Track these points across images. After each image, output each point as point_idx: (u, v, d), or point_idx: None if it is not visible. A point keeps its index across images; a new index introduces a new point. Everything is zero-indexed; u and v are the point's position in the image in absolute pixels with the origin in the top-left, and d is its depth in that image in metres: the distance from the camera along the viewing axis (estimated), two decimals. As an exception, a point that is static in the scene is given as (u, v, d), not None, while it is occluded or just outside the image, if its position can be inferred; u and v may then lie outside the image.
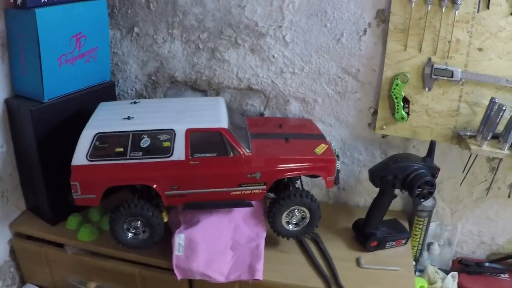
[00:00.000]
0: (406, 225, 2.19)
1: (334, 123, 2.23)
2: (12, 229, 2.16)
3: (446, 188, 2.26)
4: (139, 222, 1.85)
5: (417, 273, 2.23)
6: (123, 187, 1.86)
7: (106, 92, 2.20)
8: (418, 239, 2.25)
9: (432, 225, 2.30)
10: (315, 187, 2.36)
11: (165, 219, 1.89)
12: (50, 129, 1.96)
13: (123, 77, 2.38)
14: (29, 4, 1.78)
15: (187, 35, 2.20)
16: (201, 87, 2.30)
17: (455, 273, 2.18)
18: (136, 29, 2.26)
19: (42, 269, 2.18)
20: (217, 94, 2.29)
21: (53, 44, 1.88)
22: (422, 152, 2.06)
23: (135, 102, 1.98)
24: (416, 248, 2.27)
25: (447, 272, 2.20)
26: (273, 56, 2.15)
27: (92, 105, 1.96)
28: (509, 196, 2.21)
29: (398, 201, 2.29)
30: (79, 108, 2.02)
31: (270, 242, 2.00)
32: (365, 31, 2.03)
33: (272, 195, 1.94)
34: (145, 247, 1.89)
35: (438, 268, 2.24)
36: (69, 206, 1.88)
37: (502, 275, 2.23)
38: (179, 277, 1.84)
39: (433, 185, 1.89)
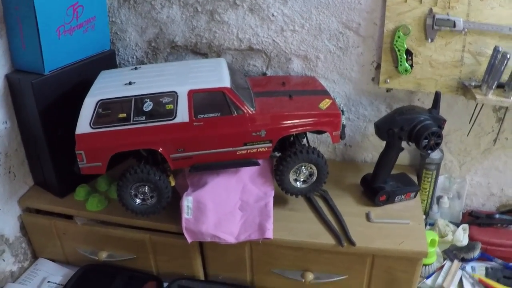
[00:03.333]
0: (414, 178, 2.18)
1: (337, 79, 2.22)
2: (21, 204, 2.17)
3: (453, 140, 2.25)
4: (146, 188, 1.84)
5: (428, 227, 2.23)
6: (129, 155, 1.86)
7: (107, 61, 2.18)
8: (427, 193, 2.25)
9: (441, 178, 2.30)
10: (322, 144, 2.35)
11: (172, 183, 1.89)
12: (52, 101, 1.95)
13: (123, 46, 2.37)
14: (24, -23, 1.76)
15: (184, -1, 2.19)
16: (201, 51, 2.28)
17: (466, 226, 2.18)
18: (133, -4, 2.25)
19: (53, 242, 2.19)
20: (218, 56, 2.27)
21: (50, 16, 1.86)
22: (427, 104, 2.05)
23: (136, 68, 1.97)
24: (425, 202, 2.27)
25: (457, 225, 2.19)
26: (273, 15, 2.12)
27: (93, 75, 1.95)
28: (517, 146, 2.21)
29: (406, 155, 2.30)
30: (80, 78, 2.01)
31: (279, 201, 2.00)
32: (364, -16, 2.01)
33: (278, 154, 1.92)
34: (153, 212, 1.89)
35: (449, 221, 2.24)
36: (77, 177, 1.89)
37: (512, 226, 2.23)
38: (189, 240, 1.84)
39: (440, 136, 1.88)
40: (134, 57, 2.39)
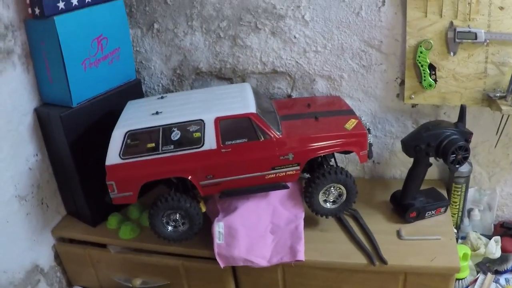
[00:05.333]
0: (444, 193, 2.17)
1: (362, 97, 2.22)
2: (55, 234, 2.20)
3: (481, 152, 2.24)
4: (177, 215, 1.86)
5: (460, 241, 2.21)
6: (160, 182, 1.87)
7: (133, 90, 2.22)
8: (457, 206, 2.23)
9: (471, 191, 2.28)
10: (350, 163, 2.35)
11: (203, 209, 1.90)
12: (81, 132, 1.99)
13: (148, 74, 2.40)
14: (47, 13, 1.80)
15: (207, 26, 2.21)
16: (226, 76, 2.31)
17: (498, 237, 2.15)
18: (156, 25, 2.28)
19: (88, 270, 2.22)
20: (243, 81, 2.29)
21: (75, 49, 1.91)
22: (453, 118, 2.03)
23: (162, 97, 2.00)
24: (456, 215, 2.25)
25: (489, 237, 2.17)
26: (295, 37, 2.14)
27: (121, 105, 1.98)
28: (544, 154, 2.19)
29: (434, 170, 2.28)
30: (108, 109, 2.05)
31: (309, 222, 2.00)
32: (383, 1, 2.01)
33: (307, 175, 1.93)
34: (185, 239, 1.91)
35: (480, 234, 2.22)
36: (108, 206, 1.91)
37: (544, 235, 2.21)
38: (222, 265, 1.85)
39: (467, 149, 1.87)
40: (160, 85, 2.42)
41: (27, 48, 1.95)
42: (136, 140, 1.77)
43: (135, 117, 1.86)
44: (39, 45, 1.91)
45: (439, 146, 1.88)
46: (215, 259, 1.86)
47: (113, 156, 1.76)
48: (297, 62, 2.19)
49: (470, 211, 2.31)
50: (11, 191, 1.96)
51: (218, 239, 1.85)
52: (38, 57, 1.95)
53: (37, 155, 2.07)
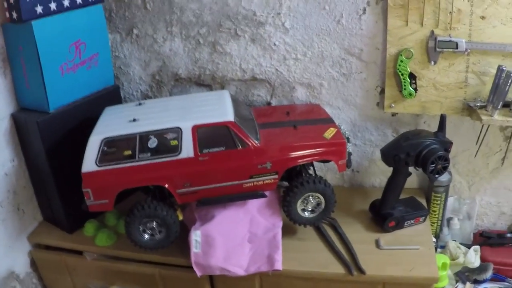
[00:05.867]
0: (423, 202, 2.17)
1: (342, 106, 2.22)
2: (31, 240, 2.17)
3: (461, 162, 2.24)
4: (154, 223, 1.84)
5: (439, 250, 2.21)
6: (137, 189, 1.86)
7: (111, 96, 2.20)
8: (437, 215, 2.23)
9: (450, 200, 2.28)
10: (329, 171, 2.34)
11: (180, 217, 1.89)
12: (58, 138, 1.97)
13: (127, 80, 2.38)
14: (24, 17, 1.77)
15: (186, 32, 2.19)
16: (205, 82, 2.29)
17: (477, 247, 2.16)
18: (135, 31, 2.26)
19: (64, 277, 2.19)
20: (222, 88, 2.28)
21: (53, 54, 1.88)
22: (434, 127, 2.03)
23: (140, 104, 1.98)
24: (435, 224, 2.25)
25: (469, 246, 2.17)
26: (275, 44, 2.13)
27: (98, 111, 1.96)
28: (525, 164, 2.19)
29: (414, 179, 2.29)
30: (85, 115, 2.02)
31: (287, 231, 1.99)
32: (364, 10, 2.01)
33: (286, 184, 1.92)
34: (162, 247, 1.89)
35: (460, 243, 2.22)
36: (85, 213, 1.87)
37: (525, 245, 2.21)
38: (199, 274, 1.84)
39: (446, 159, 1.87)
40: (139, 91, 2.40)
41: (4, 53, 1.92)
42: (113, 147, 1.75)
43: (112, 123, 1.84)
44: (17, 50, 1.89)
45: (419, 155, 1.89)
46: (192, 268, 1.84)
47: (89, 163, 1.74)
48: (276, 69, 2.18)
49: (449, 220, 2.31)
50: (-13, 196, 1.93)
51: (195, 248, 1.84)
52: (15, 62, 1.93)
53: (13, 160, 2.04)
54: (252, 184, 1.81)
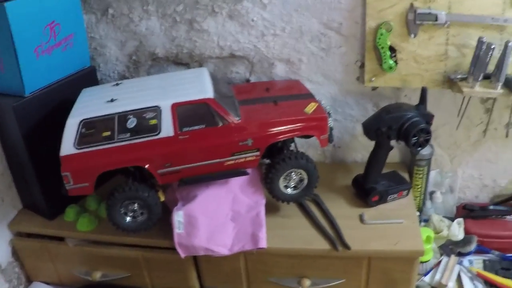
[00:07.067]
0: (406, 176, 2.17)
1: (322, 81, 2.20)
2: (11, 228, 2.14)
3: (442, 135, 2.24)
4: (136, 205, 1.81)
5: (422, 223, 2.21)
6: (117, 172, 1.82)
7: (88, 78, 2.15)
8: (420, 189, 2.24)
9: (432, 173, 2.29)
10: (311, 147, 2.32)
11: (162, 198, 1.86)
12: (35, 123, 1.93)
13: (103, 61, 2.34)
14: (-3, -1, 1.73)
15: (162, 10, 2.15)
16: (183, 61, 2.26)
17: (461, 219, 2.17)
18: (110, 10, 2.20)
19: (46, 265, 2.17)
20: (200, 66, 2.25)
21: (27, 37, 1.83)
22: (415, 100, 2.02)
23: (117, 84, 1.94)
24: (418, 198, 2.25)
25: (452, 219, 2.19)
26: (252, 20, 2.10)
27: (75, 93, 1.92)
28: (506, 136, 2.19)
29: (396, 153, 2.29)
30: (62, 97, 1.98)
31: (271, 209, 1.98)
32: (343, -17, 1.99)
33: (268, 161, 1.90)
34: (145, 229, 1.86)
35: (443, 216, 2.23)
36: (65, 198, 1.84)
37: (507, 217, 2.23)
38: (182, 255, 1.82)
39: (428, 132, 1.86)
40: (116, 71, 2.36)
41: (-23, 37, 1.87)
42: (91, 129, 1.72)
43: (89, 105, 1.80)
44: (-10, 34, 1.85)
45: (401, 128, 1.87)
46: (176, 249, 1.83)
47: (67, 146, 1.70)
48: (255, 46, 2.16)
49: (432, 193, 2.32)
50: (-37, 185, 1.90)
51: (178, 229, 1.82)
52: (-12, 46, 1.88)
53: (-11, 147, 2.01)
54: (233, 161, 1.78)
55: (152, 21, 2.19)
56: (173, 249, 1.84)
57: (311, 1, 2.03)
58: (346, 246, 1.81)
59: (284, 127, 1.79)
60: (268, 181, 1.84)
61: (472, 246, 2.13)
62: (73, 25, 2.06)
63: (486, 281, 2.02)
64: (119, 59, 2.33)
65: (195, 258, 1.95)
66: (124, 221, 1.83)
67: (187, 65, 2.27)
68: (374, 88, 2.18)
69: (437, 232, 2.14)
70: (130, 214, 1.84)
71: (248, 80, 2.25)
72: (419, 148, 1.89)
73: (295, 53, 2.15)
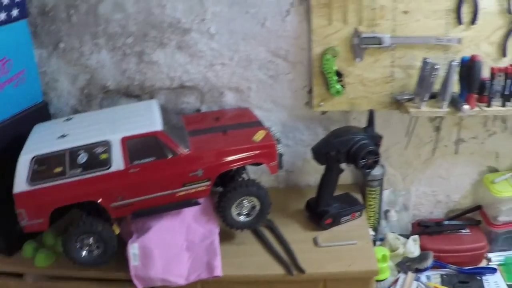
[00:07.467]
0: (359, 197, 2.20)
1: (271, 108, 2.23)
2: (-30, 266, 2.11)
3: (393, 154, 2.28)
4: (91, 239, 1.81)
5: (378, 242, 2.23)
6: (73, 206, 1.82)
7: (40, 113, 2.16)
8: (374, 209, 2.27)
9: (386, 193, 2.32)
10: (264, 173, 2.30)
11: (117, 231, 1.86)
12: (-12, 160, 1.92)
13: (56, 95, 2.33)
14: None
15: (112, 43, 2.18)
16: (134, 93, 2.27)
17: (416, 236, 2.19)
18: (61, 45, 2.22)
19: (6, 301, 2.15)
20: (151, 97, 2.26)
21: (-21, 74, 1.84)
22: (364, 122, 2.05)
23: (68, 119, 1.95)
24: (373, 217, 2.29)
25: (408, 237, 2.21)
26: (201, 51, 2.13)
27: (28, 129, 1.92)
28: (456, 153, 2.24)
29: (348, 174, 2.32)
30: (14, 133, 1.96)
31: (226, 236, 1.99)
32: (288, 11, 2.04)
33: (220, 189, 1.92)
34: (101, 263, 1.86)
35: (399, 234, 2.25)
36: (23, 234, 1.84)
37: (462, 231, 2.27)
38: (139, 287, 1.82)
39: (377, 154, 1.90)
40: (69, 105, 2.36)
41: None
42: (43, 165, 1.72)
43: (41, 141, 1.81)
44: None
45: (349, 152, 1.91)
46: (133, 281, 1.82)
47: (20, 183, 1.71)
48: (204, 75, 2.18)
49: (386, 212, 2.34)
50: None
51: (134, 261, 1.81)
52: None
53: None
54: (185, 192, 1.80)
55: (102, 54, 2.21)
56: (130, 281, 1.83)
57: (257, 30, 2.07)
58: (300, 270, 1.81)
59: (234, 156, 1.81)
60: (220, 210, 1.86)
61: (429, 262, 2.16)
62: (24, 60, 2.08)
63: (445, 295, 2.06)
64: (71, 93, 2.32)
65: (153, 290, 1.95)
66: (80, 256, 1.83)
67: (138, 97, 2.28)
68: (323, 113, 2.21)
69: (392, 250, 2.16)
70: (86, 248, 1.83)
71: (199, 110, 2.27)
72: (369, 170, 1.93)
73: (244, 81, 2.18)
